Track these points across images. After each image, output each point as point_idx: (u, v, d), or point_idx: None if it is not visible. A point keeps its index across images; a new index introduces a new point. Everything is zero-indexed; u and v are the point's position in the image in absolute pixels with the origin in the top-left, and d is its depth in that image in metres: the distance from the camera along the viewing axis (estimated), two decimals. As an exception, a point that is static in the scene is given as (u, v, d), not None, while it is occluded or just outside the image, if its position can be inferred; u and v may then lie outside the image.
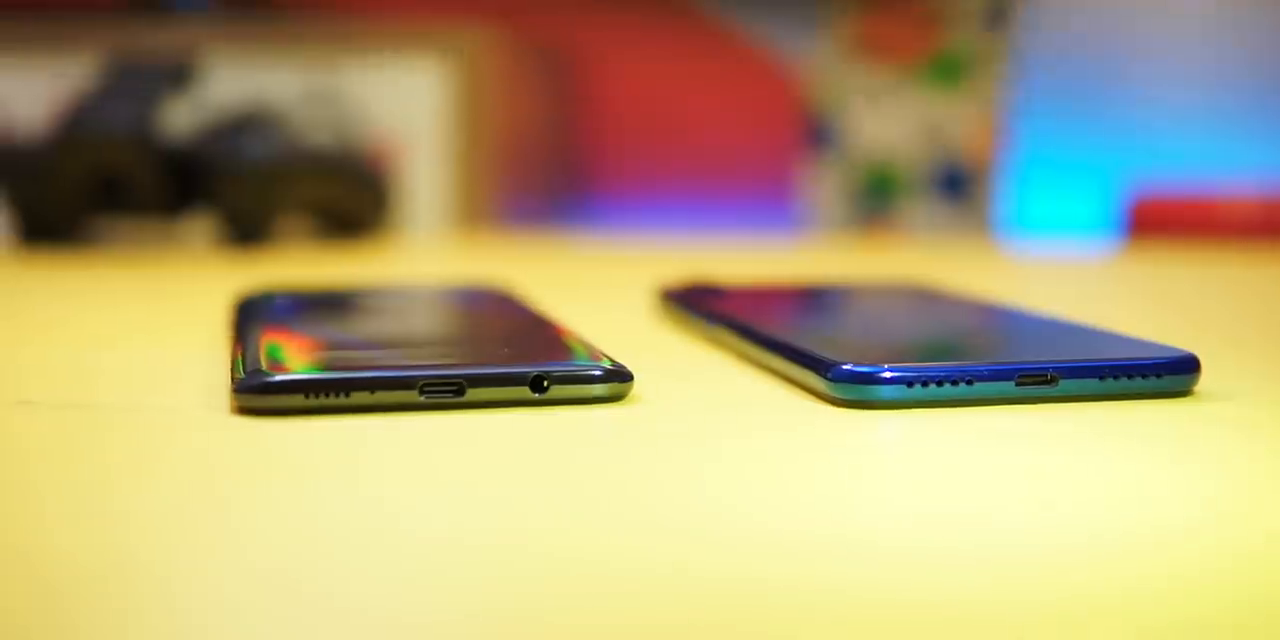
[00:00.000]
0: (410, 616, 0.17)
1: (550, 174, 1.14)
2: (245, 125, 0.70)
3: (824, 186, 0.88)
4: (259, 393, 0.29)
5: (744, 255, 0.67)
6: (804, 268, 0.61)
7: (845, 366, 0.30)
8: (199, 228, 0.75)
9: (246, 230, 0.69)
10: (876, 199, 0.86)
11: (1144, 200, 0.91)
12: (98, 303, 0.48)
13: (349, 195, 0.74)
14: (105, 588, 0.18)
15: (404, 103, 0.94)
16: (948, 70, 0.86)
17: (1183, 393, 0.31)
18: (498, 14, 1.24)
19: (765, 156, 1.20)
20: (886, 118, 0.86)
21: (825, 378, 0.30)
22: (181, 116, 0.74)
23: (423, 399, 0.29)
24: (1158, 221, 0.90)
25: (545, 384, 0.30)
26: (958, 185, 0.86)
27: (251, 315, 0.38)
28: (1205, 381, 0.33)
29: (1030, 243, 0.83)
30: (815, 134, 0.87)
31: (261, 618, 0.17)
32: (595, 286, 0.54)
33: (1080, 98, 0.99)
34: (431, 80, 0.94)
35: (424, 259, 0.66)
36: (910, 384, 0.30)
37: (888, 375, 0.30)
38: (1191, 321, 0.44)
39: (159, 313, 0.45)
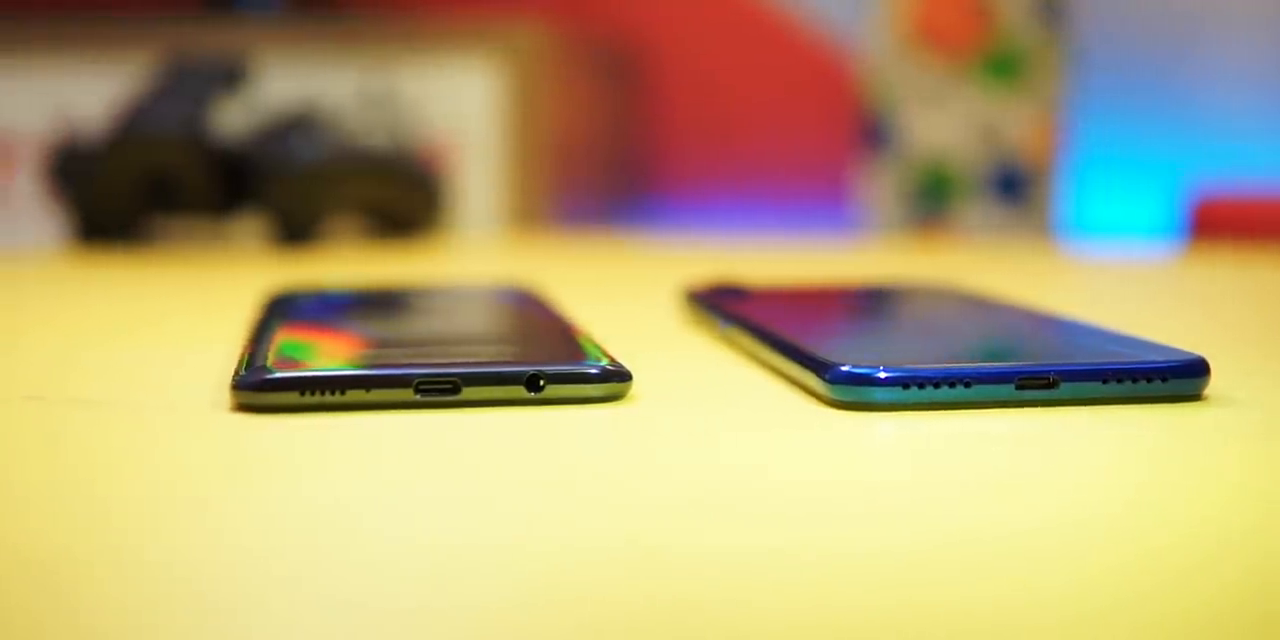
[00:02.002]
0: (404, 613, 0.17)
1: (609, 174, 1.14)
2: (295, 126, 0.71)
3: (879, 187, 0.87)
4: (255, 390, 0.29)
5: (793, 257, 0.67)
6: (851, 269, 0.60)
7: (843, 368, 0.30)
8: (249, 227, 0.76)
9: (295, 230, 0.70)
10: (932, 200, 0.86)
11: (1207, 201, 0.89)
12: (134, 300, 0.49)
13: (400, 195, 0.75)
14: (96, 583, 0.18)
15: (458, 103, 0.95)
16: (1004, 68, 0.85)
17: (1191, 397, 0.31)
18: (558, 12, 1.24)
19: (828, 156, 1.20)
20: (942, 117, 0.85)
21: (823, 379, 0.30)
22: (235, 117, 0.75)
23: (418, 397, 0.30)
24: (1221, 223, 0.89)
25: (541, 383, 0.30)
26: (1014, 186, 0.85)
27: (273, 313, 0.39)
28: (1222, 386, 0.33)
29: (1088, 245, 0.82)
30: (871, 134, 0.87)
31: (257, 616, 0.17)
32: (631, 287, 0.54)
33: (1141, 96, 0.98)
34: (486, 80, 0.94)
35: (470, 259, 0.67)
36: (906, 386, 0.29)
37: (884, 377, 0.29)
38: (1233, 326, 0.43)
39: (192, 310, 0.46)
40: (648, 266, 0.62)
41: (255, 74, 0.73)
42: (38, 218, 0.99)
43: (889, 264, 0.63)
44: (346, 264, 0.64)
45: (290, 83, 0.96)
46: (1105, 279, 0.57)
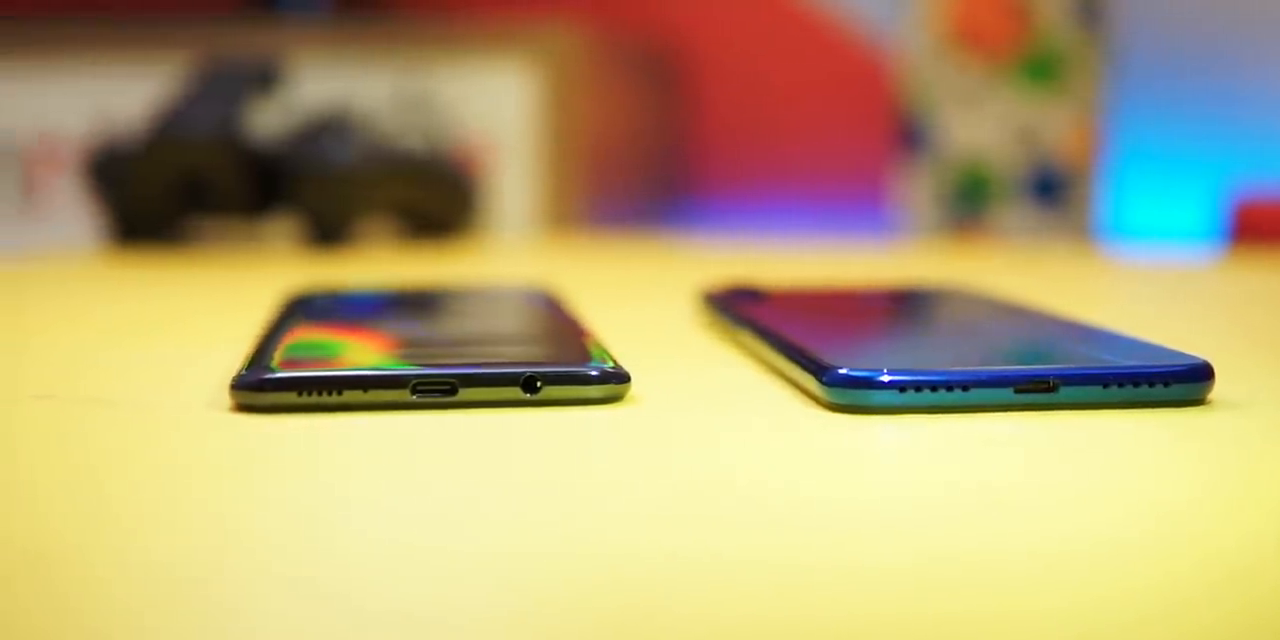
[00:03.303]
0: (400, 614, 0.17)
1: (648, 176, 1.14)
2: (328, 128, 0.71)
3: (916, 190, 0.86)
4: (253, 390, 0.29)
5: (825, 259, 0.67)
6: (881, 272, 0.60)
7: (840, 371, 0.30)
8: (283, 228, 0.77)
9: (327, 231, 0.70)
10: (969, 203, 0.85)
11: (1249, 204, 0.88)
12: (161, 299, 0.49)
13: (433, 197, 0.75)
14: (90, 582, 0.19)
15: (493, 105, 0.95)
16: (1042, 69, 0.84)
17: (1195, 402, 0.30)
18: (595, 14, 1.24)
19: (870, 158, 1.19)
20: (980, 119, 0.85)
21: (820, 382, 0.30)
22: (270, 119, 0.76)
23: (415, 398, 0.30)
24: (1264, 227, 0.88)
25: (538, 385, 0.30)
26: (1052, 189, 0.84)
27: (288, 314, 0.39)
28: (1230, 391, 0.32)
29: (1127, 249, 0.81)
30: (908, 135, 0.86)
31: (252, 616, 0.17)
32: (655, 289, 0.54)
33: (1183, 98, 0.97)
34: (521, 82, 0.94)
35: (501, 261, 0.67)
36: (903, 389, 0.29)
37: (880, 380, 0.29)
38: (1257, 330, 0.43)
39: (217, 310, 0.46)
40: (676, 268, 0.62)
41: (290, 76, 0.74)
42: (79, 218, 1.01)
43: (919, 267, 0.63)
44: (377, 265, 0.64)
45: (326, 84, 0.97)
46: (1136, 282, 0.57)
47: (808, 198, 1.23)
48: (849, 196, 1.20)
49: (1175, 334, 0.42)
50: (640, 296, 0.51)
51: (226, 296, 0.50)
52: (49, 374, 0.34)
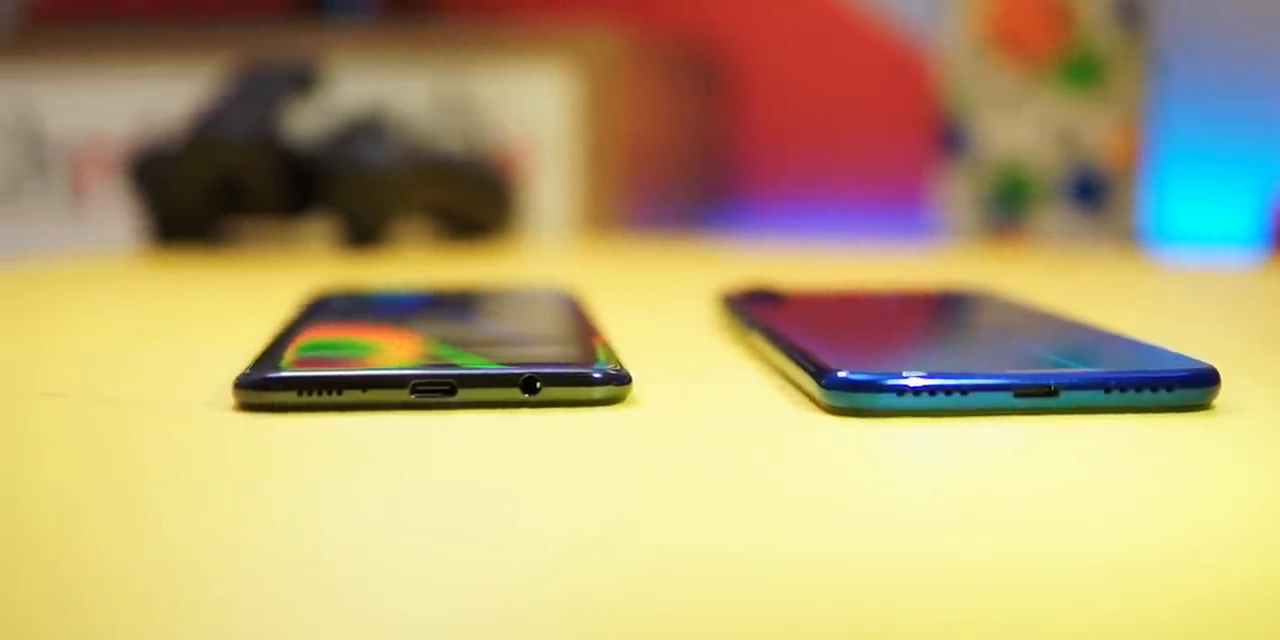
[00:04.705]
0: (397, 613, 0.17)
1: (690, 178, 1.14)
2: (364, 129, 0.72)
3: (956, 193, 0.86)
4: (255, 389, 0.30)
5: (859, 262, 0.67)
6: (913, 275, 0.60)
7: (839, 374, 0.30)
8: (319, 229, 0.77)
9: (362, 232, 0.71)
10: (1008, 206, 0.84)
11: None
12: (193, 298, 0.50)
13: (469, 199, 0.76)
14: (87, 580, 0.19)
15: (532, 108, 0.95)
16: (1083, 71, 0.83)
17: (1199, 407, 0.30)
18: (637, 17, 1.25)
19: (914, 160, 1.19)
20: (1020, 121, 0.84)
21: (819, 384, 0.30)
22: (308, 121, 0.76)
23: (414, 398, 0.30)
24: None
25: (537, 385, 0.30)
26: (1093, 193, 0.84)
27: (306, 314, 0.40)
28: (1238, 396, 0.32)
29: (1169, 253, 0.80)
30: (948, 138, 0.86)
31: (251, 614, 0.17)
32: (679, 291, 0.54)
33: (1227, 99, 0.96)
34: (560, 85, 0.95)
35: (532, 262, 0.67)
36: (901, 393, 0.29)
37: (879, 383, 0.29)
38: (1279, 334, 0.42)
39: (246, 310, 0.47)
40: (707, 271, 0.62)
41: (328, 78, 0.74)
42: (125, 219, 1.02)
43: (954, 270, 0.62)
44: (409, 266, 0.64)
45: (366, 86, 0.97)
46: (1173, 287, 0.56)
47: (852, 200, 1.22)
48: (894, 199, 1.19)
49: (1204, 338, 0.41)
50: (664, 299, 0.51)
51: (258, 297, 0.51)
52: (65, 372, 0.35)
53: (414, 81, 0.97)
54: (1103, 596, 0.18)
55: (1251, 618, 0.17)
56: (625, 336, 0.41)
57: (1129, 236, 0.84)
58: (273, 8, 1.23)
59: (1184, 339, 0.41)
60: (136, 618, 0.17)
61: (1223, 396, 0.32)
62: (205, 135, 0.69)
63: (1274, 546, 0.20)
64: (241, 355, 0.38)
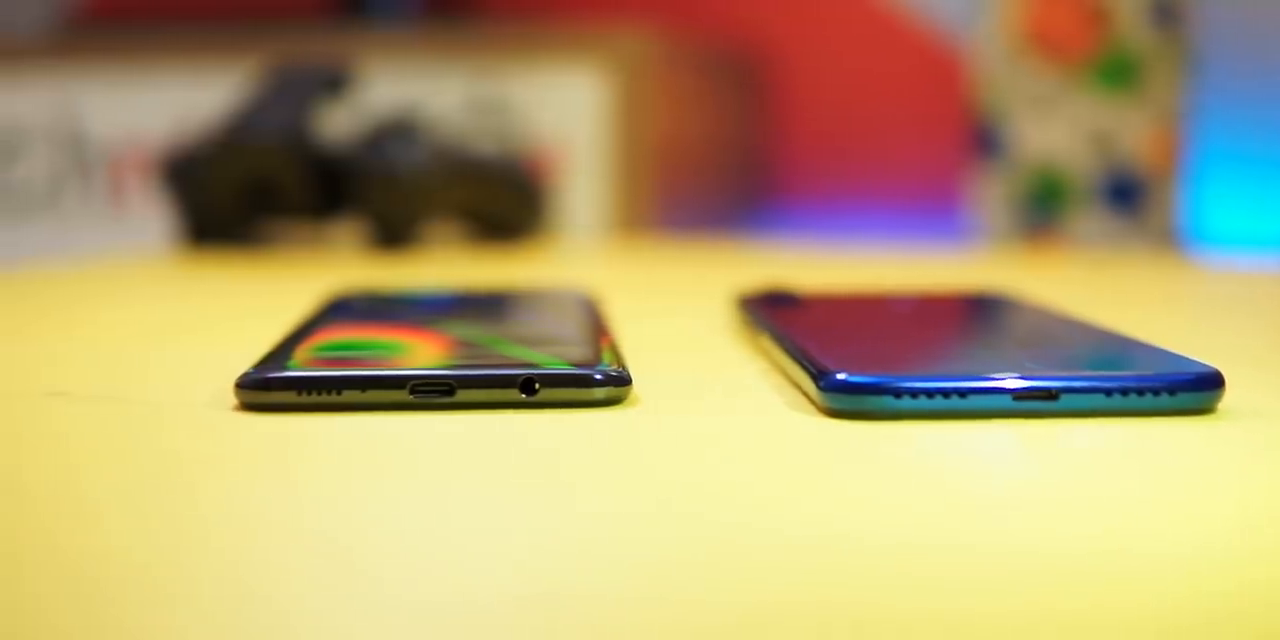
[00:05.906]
0: (395, 613, 0.18)
1: (727, 180, 1.14)
2: (395, 131, 0.72)
3: (990, 195, 0.85)
4: (255, 389, 0.30)
5: (892, 264, 0.66)
6: (939, 278, 0.60)
7: (837, 376, 0.29)
8: (349, 230, 0.78)
9: (392, 233, 0.71)
10: (1043, 209, 0.84)
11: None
12: (217, 298, 0.50)
13: (500, 200, 0.76)
14: (84, 579, 0.19)
15: (566, 110, 0.95)
16: (1119, 73, 0.82)
17: (1203, 410, 0.30)
18: (676, 19, 1.25)
19: (953, 162, 1.18)
20: (1055, 123, 0.83)
21: (819, 386, 0.30)
22: (340, 122, 0.77)
23: (413, 399, 0.30)
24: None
25: (536, 386, 0.30)
26: (1130, 195, 0.83)
27: (321, 314, 0.40)
28: (1244, 400, 0.31)
29: (1206, 256, 0.80)
30: (982, 140, 0.85)
31: (250, 613, 0.18)
32: (701, 293, 0.54)
33: (1264, 100, 0.94)
34: (594, 87, 0.95)
35: (560, 264, 0.67)
36: (899, 395, 0.29)
37: (878, 385, 0.29)
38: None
39: (270, 310, 0.47)
40: (734, 273, 0.62)
41: (360, 80, 0.75)
42: (161, 220, 1.03)
43: (985, 273, 0.62)
44: (437, 267, 0.65)
45: (401, 88, 0.98)
46: (1205, 289, 0.56)
47: (891, 202, 1.22)
48: (931, 201, 1.19)
49: (1232, 342, 0.41)
50: (685, 300, 0.51)
51: (285, 297, 0.51)
52: (79, 372, 0.35)
53: (449, 83, 0.98)
54: (1105, 603, 0.18)
55: (1255, 624, 0.17)
56: (639, 338, 0.41)
57: (1165, 239, 0.84)
58: (312, 10, 1.24)
59: (1211, 343, 0.41)
60: (137, 614, 0.17)
61: (1230, 400, 0.31)
62: (237, 137, 0.69)
63: (1275, 551, 0.20)
64: (257, 356, 0.38)
